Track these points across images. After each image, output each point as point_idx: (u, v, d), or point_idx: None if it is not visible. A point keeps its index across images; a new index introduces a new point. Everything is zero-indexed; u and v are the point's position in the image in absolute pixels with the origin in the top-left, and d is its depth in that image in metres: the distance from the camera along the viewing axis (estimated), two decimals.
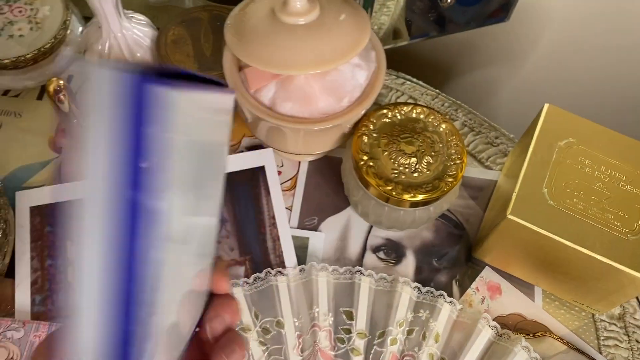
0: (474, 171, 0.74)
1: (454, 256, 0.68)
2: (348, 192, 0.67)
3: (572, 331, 0.64)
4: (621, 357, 0.63)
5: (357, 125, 0.64)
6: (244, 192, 0.69)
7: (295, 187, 0.72)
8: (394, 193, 0.60)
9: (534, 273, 0.64)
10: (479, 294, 0.66)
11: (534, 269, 0.63)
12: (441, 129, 0.64)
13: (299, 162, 0.74)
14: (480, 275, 0.67)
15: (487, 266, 0.67)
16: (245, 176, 0.70)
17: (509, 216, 0.57)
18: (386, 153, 0.61)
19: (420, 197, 0.60)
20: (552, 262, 0.60)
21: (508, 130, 0.78)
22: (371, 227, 0.70)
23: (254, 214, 0.68)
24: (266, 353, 0.60)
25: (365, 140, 0.62)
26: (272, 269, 0.65)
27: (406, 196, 0.60)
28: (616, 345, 0.64)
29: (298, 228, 0.68)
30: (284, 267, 0.62)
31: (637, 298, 0.66)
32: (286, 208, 0.70)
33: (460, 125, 0.78)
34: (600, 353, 0.63)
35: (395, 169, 0.61)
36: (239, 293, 0.63)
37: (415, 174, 0.61)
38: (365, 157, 0.61)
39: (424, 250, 0.68)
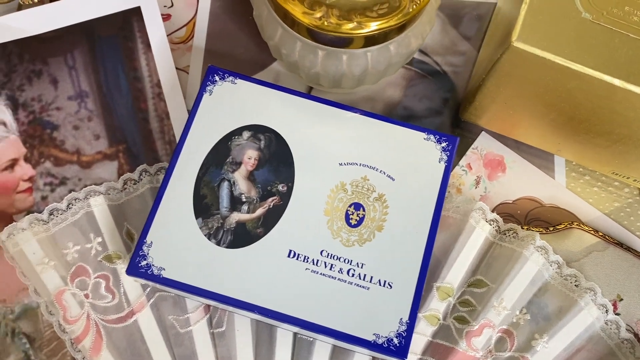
0: None
1: (434, 121, 0.46)
2: (264, 33, 0.43)
3: (611, 217, 0.43)
4: None
5: None
6: (111, 50, 0.46)
7: (192, 37, 0.48)
8: (326, 23, 0.36)
9: (553, 136, 0.42)
10: (472, 173, 0.44)
11: (554, 129, 0.41)
12: None
13: None
14: (472, 146, 0.45)
15: (482, 131, 0.45)
16: (111, 24, 0.46)
17: (515, 43, 0.34)
18: None
19: (371, 26, 0.36)
20: (583, 117, 0.38)
21: None
22: (310, 89, 0.47)
23: (128, 83, 0.45)
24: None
25: None
26: (160, 161, 0.43)
27: (347, 26, 0.36)
28: None
29: None
30: (170, 159, 0.40)
31: None
32: (180, 69, 0.46)
33: None
34: None
35: None
36: (101, 204, 0.41)
37: None
38: None
39: (389, 116, 0.46)
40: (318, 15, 0.36)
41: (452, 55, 0.48)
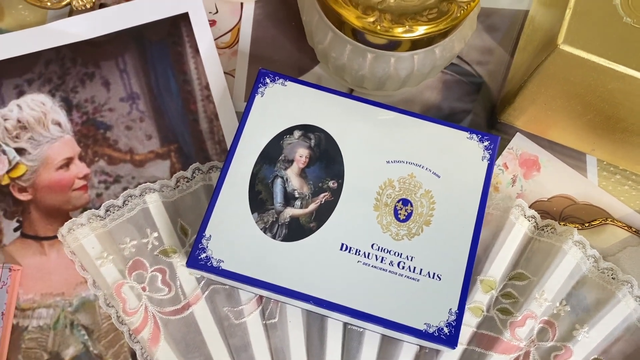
0: (493, 0, 0.52)
1: (470, 123, 0.48)
2: (312, 39, 0.45)
3: None
4: None
5: None
6: (161, 54, 0.47)
7: (237, 42, 0.50)
8: (378, 27, 0.38)
9: (589, 136, 0.44)
10: (509, 172, 0.46)
11: (590, 129, 0.43)
12: None
13: (241, 5, 0.51)
14: (509, 146, 0.47)
15: (517, 132, 0.47)
16: (161, 30, 0.48)
17: (561, 46, 0.35)
18: None
19: (420, 29, 0.38)
20: (621, 116, 0.40)
21: None
22: (351, 92, 0.49)
23: (178, 85, 0.47)
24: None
25: None
26: (210, 160, 0.45)
27: (398, 30, 0.38)
28: None
29: (246, 102, 0.47)
30: (226, 157, 0.41)
31: None
32: (226, 73, 0.48)
33: None
34: None
35: None
36: (156, 201, 0.43)
37: None
38: None
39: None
40: (371, 19, 0.38)
41: (484, 59, 0.50)
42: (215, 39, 0.49)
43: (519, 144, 0.47)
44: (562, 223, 0.44)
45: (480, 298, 0.41)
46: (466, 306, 0.41)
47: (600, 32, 0.36)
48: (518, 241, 0.43)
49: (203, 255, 0.38)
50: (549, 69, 0.38)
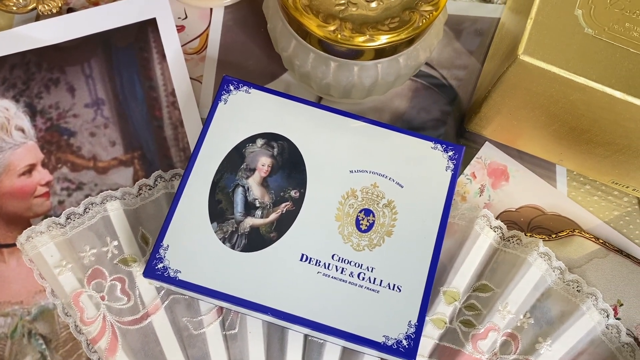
0: (465, 6, 0.51)
1: (439, 132, 0.48)
2: (277, 45, 0.44)
3: (610, 225, 0.45)
4: None
5: None
6: (128, 59, 0.47)
7: (205, 48, 0.49)
8: (339, 36, 0.38)
9: (555, 146, 0.43)
10: (476, 182, 0.46)
11: (556, 139, 0.42)
12: None
13: (210, 11, 0.50)
14: (477, 155, 0.47)
15: (486, 142, 0.47)
16: (127, 35, 0.48)
17: (521, 57, 0.35)
18: None
19: (382, 39, 0.38)
20: (585, 127, 0.39)
21: None
22: (319, 99, 0.48)
23: (144, 91, 0.46)
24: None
25: None
26: (174, 167, 0.45)
27: (359, 39, 0.38)
28: None
29: None
30: (187, 165, 0.41)
31: None
32: (193, 79, 0.48)
33: None
34: None
35: None
36: (117, 209, 0.42)
37: (374, 4, 0.39)
38: None
39: (396, 125, 0.47)
40: (332, 28, 0.38)
41: (456, 67, 0.49)
42: (183, 45, 0.49)
43: (487, 153, 0.47)
44: (530, 234, 0.43)
45: (443, 309, 0.41)
46: (428, 318, 0.41)
47: (561, 43, 0.36)
48: (483, 252, 0.42)
49: (160, 265, 0.38)
50: (511, 79, 0.37)
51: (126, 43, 0.47)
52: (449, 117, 0.48)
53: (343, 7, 0.39)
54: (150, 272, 0.38)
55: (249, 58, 0.49)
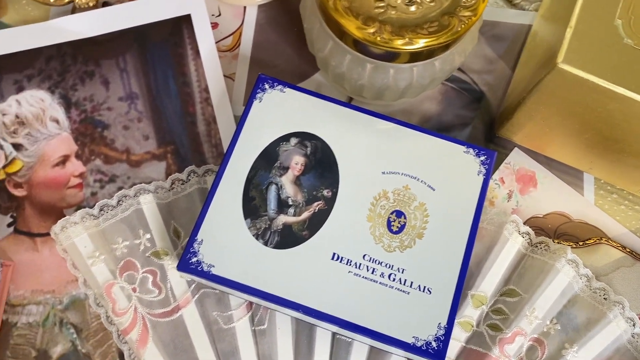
0: (497, 13, 0.51)
1: (469, 136, 0.48)
2: (312, 46, 0.45)
3: (637, 235, 0.45)
4: None
5: None
6: (162, 55, 0.47)
7: (238, 45, 0.50)
8: (378, 38, 0.38)
9: (586, 154, 0.44)
10: (505, 187, 0.46)
11: (588, 148, 0.43)
12: None
13: (244, 9, 0.51)
14: (506, 161, 0.47)
15: (515, 147, 0.47)
16: (162, 30, 0.48)
17: (560, 65, 0.35)
18: None
19: (420, 42, 0.38)
20: (618, 137, 0.39)
21: None
22: (350, 100, 0.49)
23: (177, 87, 0.47)
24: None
25: None
26: (207, 163, 0.45)
27: (398, 42, 0.38)
28: None
29: (244, 106, 0.47)
30: (222, 161, 0.41)
31: None
32: (226, 76, 0.48)
33: None
34: None
35: (382, 1, 0.39)
36: (150, 202, 0.43)
37: (413, 7, 0.39)
38: None
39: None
40: (371, 30, 0.38)
41: (486, 72, 0.50)
42: (216, 42, 0.49)
43: (516, 159, 0.47)
44: (557, 241, 0.44)
45: (470, 313, 0.41)
46: (456, 320, 0.41)
47: (600, 53, 0.36)
48: (511, 257, 0.43)
49: (194, 260, 0.38)
50: (548, 86, 0.38)
51: (161, 38, 0.48)
52: (478, 122, 0.48)
53: (382, 10, 0.39)
54: (184, 266, 0.38)
55: (281, 57, 0.50)
